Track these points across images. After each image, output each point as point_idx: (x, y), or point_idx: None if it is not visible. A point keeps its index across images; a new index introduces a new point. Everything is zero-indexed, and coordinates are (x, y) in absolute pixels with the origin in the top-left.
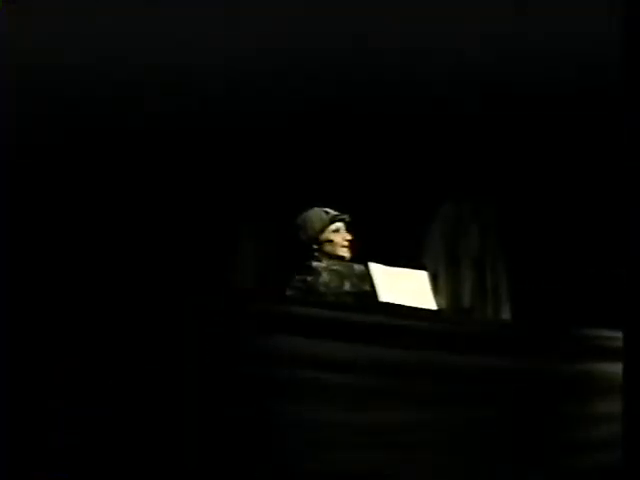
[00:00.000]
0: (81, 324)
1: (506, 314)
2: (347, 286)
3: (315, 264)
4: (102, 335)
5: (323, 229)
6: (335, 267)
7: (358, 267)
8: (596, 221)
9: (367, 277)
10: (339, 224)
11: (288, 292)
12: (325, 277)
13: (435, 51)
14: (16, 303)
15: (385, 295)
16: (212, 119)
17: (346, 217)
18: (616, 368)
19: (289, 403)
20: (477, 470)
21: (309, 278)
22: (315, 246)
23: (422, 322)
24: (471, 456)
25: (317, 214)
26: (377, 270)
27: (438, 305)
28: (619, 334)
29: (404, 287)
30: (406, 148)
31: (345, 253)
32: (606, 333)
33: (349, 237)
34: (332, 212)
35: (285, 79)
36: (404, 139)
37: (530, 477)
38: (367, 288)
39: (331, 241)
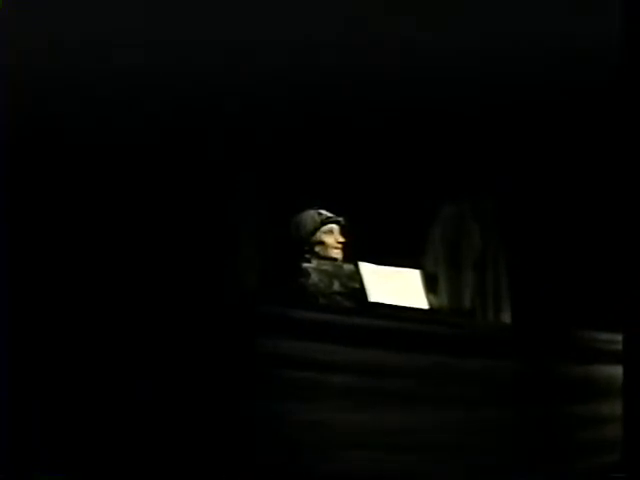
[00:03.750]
0: (85, 325)
1: (507, 316)
2: (336, 286)
3: (305, 265)
4: (107, 335)
5: (315, 230)
6: (324, 267)
7: (347, 266)
8: (596, 221)
9: (356, 276)
10: (332, 226)
11: (280, 294)
12: (314, 278)
13: (435, 51)
14: (16, 304)
15: (374, 295)
16: (211, 119)
17: (341, 219)
18: (616, 370)
19: (289, 403)
20: (477, 471)
21: (299, 280)
22: (306, 247)
23: (422, 324)
24: (471, 457)
25: (310, 215)
26: (367, 269)
27: (438, 306)
28: (619, 336)
29: (394, 286)
30: (406, 148)
31: (337, 255)
32: (606, 335)
33: (342, 239)
34: (325, 213)
35: (283, 78)
36: (404, 139)
37: (530, 478)
38: (356, 287)
39: (322, 243)
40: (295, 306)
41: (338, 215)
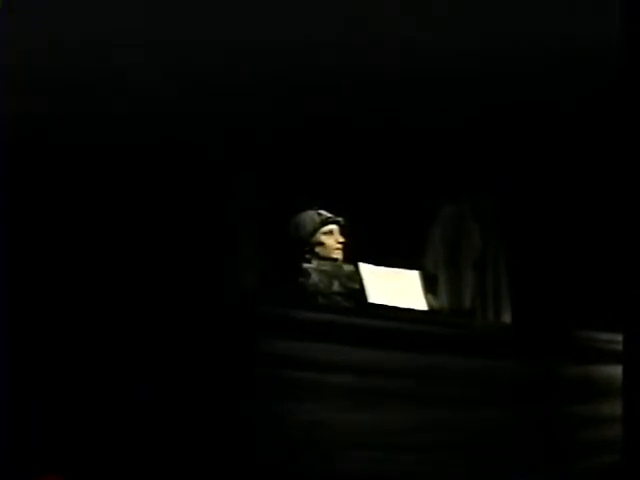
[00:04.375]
0: (85, 325)
1: (507, 316)
2: (335, 286)
3: (305, 265)
4: (107, 336)
5: (315, 231)
6: (324, 267)
7: (347, 267)
8: (596, 221)
9: (356, 277)
10: (332, 226)
11: (280, 294)
12: (314, 278)
13: (435, 51)
14: (16, 304)
15: (374, 296)
16: (211, 119)
17: (340, 220)
18: (616, 370)
19: (289, 403)
20: (477, 471)
21: (299, 280)
22: (306, 247)
23: (422, 324)
24: (471, 457)
25: (309, 216)
26: (366, 270)
27: (438, 307)
28: (619, 336)
29: (393, 287)
30: (406, 149)
31: (337, 255)
32: (606, 335)
33: (342, 240)
34: (325, 214)
35: (283, 78)
36: (404, 139)
37: (530, 478)
38: (356, 287)
39: (322, 243)
40: (295, 306)
41: (338, 215)
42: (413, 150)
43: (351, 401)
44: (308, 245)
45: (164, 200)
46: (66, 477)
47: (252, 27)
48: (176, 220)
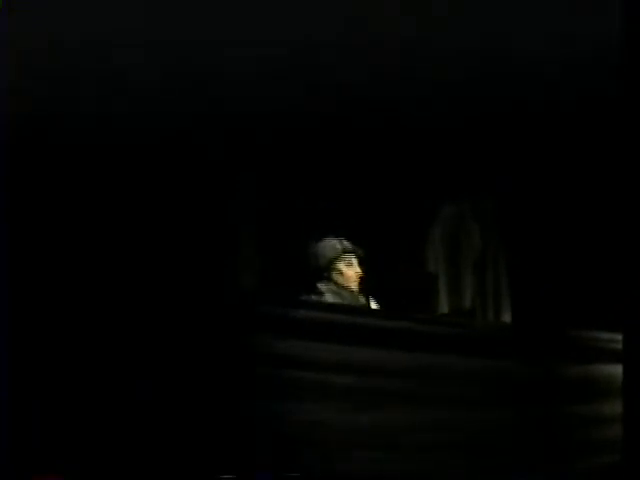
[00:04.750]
0: (85, 325)
1: (507, 316)
2: None
3: (319, 285)
4: (106, 336)
5: (335, 260)
6: (339, 291)
7: (362, 298)
8: (596, 221)
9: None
10: (352, 258)
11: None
12: (328, 299)
13: (435, 51)
14: (16, 304)
15: None
16: (211, 119)
17: (360, 252)
18: (616, 370)
19: (289, 403)
20: (477, 471)
21: (313, 297)
22: (325, 274)
23: (422, 324)
24: (471, 457)
25: (331, 244)
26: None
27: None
28: (619, 336)
29: None
30: (406, 149)
31: (354, 286)
32: (606, 335)
33: (360, 272)
34: (346, 244)
35: (284, 79)
36: (404, 140)
37: (530, 478)
38: None
39: (341, 272)
40: (295, 306)
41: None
42: (413, 150)
43: (351, 401)
44: (327, 271)
45: (164, 200)
46: (66, 477)
47: (252, 27)
48: (176, 220)
